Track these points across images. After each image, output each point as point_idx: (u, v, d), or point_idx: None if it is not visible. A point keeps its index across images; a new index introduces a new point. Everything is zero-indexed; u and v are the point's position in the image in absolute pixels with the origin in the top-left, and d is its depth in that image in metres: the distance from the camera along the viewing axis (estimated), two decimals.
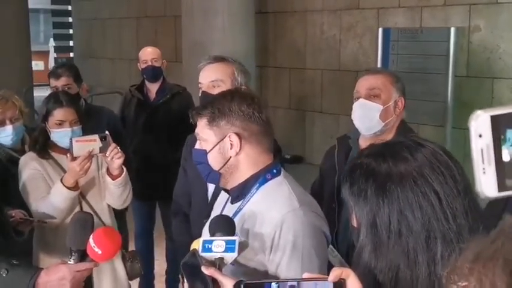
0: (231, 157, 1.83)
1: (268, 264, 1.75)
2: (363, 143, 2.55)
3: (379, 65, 5.23)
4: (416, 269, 1.21)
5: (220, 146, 1.82)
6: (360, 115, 2.55)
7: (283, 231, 1.73)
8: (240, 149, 1.82)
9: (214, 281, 1.52)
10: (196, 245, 1.60)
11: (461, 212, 1.23)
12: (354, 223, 1.32)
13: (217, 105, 1.84)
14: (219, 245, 1.56)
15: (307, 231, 1.76)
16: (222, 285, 1.52)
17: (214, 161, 1.84)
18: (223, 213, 1.88)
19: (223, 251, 1.56)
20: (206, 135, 1.84)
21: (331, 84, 6.51)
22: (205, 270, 1.51)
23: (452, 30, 4.83)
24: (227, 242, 1.57)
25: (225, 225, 1.66)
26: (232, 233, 1.64)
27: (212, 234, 1.62)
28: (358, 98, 2.57)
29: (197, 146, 1.90)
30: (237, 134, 1.81)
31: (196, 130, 1.89)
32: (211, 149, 1.83)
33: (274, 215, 1.76)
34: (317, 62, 6.62)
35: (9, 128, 3.04)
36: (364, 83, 2.58)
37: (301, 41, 6.76)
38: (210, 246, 1.56)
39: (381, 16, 5.94)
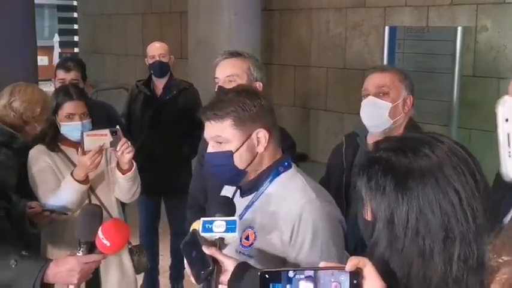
0: (257, 153, 1.84)
1: (287, 255, 1.76)
2: (371, 141, 2.56)
3: (385, 63, 5.22)
4: (430, 269, 1.19)
5: (248, 144, 1.82)
6: (368, 113, 2.55)
7: (302, 222, 1.75)
8: (267, 144, 1.83)
9: (215, 261, 1.54)
10: (197, 225, 1.61)
11: (481, 211, 1.20)
12: (368, 216, 1.30)
13: (238, 104, 1.81)
14: (219, 225, 1.58)
15: (325, 221, 1.78)
16: (223, 265, 1.54)
17: (241, 160, 1.83)
18: None
19: (224, 231, 1.57)
20: (230, 136, 1.81)
21: (336, 82, 6.50)
22: (207, 250, 1.53)
23: (459, 29, 4.82)
24: (228, 223, 1.58)
25: (226, 206, 1.68)
26: (233, 214, 1.65)
27: (212, 214, 1.63)
28: (366, 96, 2.57)
29: (215, 148, 1.85)
30: (265, 129, 1.83)
31: (215, 133, 1.83)
32: (238, 149, 1.82)
33: (291, 206, 1.78)
34: (322, 60, 6.61)
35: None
36: (373, 81, 2.58)
37: (306, 38, 6.76)
38: (210, 227, 1.58)
39: (387, 15, 5.93)
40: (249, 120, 1.81)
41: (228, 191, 2.02)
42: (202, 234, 1.57)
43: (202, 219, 1.60)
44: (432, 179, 1.21)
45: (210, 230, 1.57)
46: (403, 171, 1.23)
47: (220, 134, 1.82)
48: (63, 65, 3.79)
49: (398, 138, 1.38)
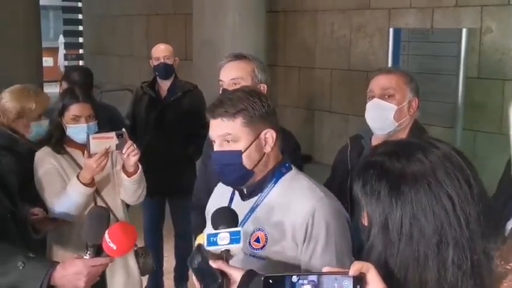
0: (264, 154, 1.85)
1: (301, 254, 1.78)
2: (376, 143, 2.55)
3: (389, 65, 5.22)
4: (425, 273, 1.20)
5: (256, 143, 1.83)
6: (373, 115, 2.55)
7: (315, 220, 1.77)
8: (274, 144, 1.85)
9: (223, 274, 1.54)
10: (201, 240, 1.61)
11: (474, 217, 1.21)
12: (365, 221, 1.31)
13: (248, 103, 1.81)
14: (224, 237, 1.57)
15: (337, 218, 1.81)
16: (231, 277, 1.54)
17: (249, 159, 1.83)
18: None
19: (229, 243, 1.57)
20: (240, 134, 1.81)
21: (341, 84, 6.51)
22: (213, 264, 1.53)
23: (464, 31, 4.82)
24: (232, 234, 1.57)
25: (228, 218, 1.67)
26: (235, 225, 1.65)
27: (215, 227, 1.62)
28: (372, 98, 2.57)
29: (222, 148, 1.84)
30: (273, 129, 1.84)
31: (225, 130, 1.81)
32: (247, 148, 1.82)
33: (302, 205, 1.79)
34: (327, 61, 6.62)
35: (44, 123, 3.06)
36: (378, 83, 2.57)
37: (311, 40, 6.76)
38: (215, 240, 1.57)
39: (392, 16, 5.93)
40: (258, 119, 1.82)
41: (223, 190, 2.00)
42: (208, 248, 1.57)
43: (206, 233, 1.61)
44: (425, 185, 1.22)
45: (215, 243, 1.56)
46: (396, 176, 1.24)
47: (230, 132, 1.80)
48: (69, 78, 3.80)
49: (395, 143, 1.39)
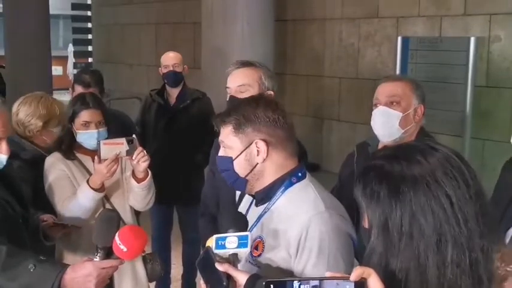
0: (257, 164, 1.83)
1: (293, 267, 1.75)
2: None
3: (397, 73, 5.23)
4: (426, 272, 1.22)
5: (247, 152, 1.82)
6: (379, 122, 2.56)
7: (309, 234, 1.73)
8: (267, 156, 1.82)
9: (229, 277, 1.55)
10: (210, 242, 1.62)
11: (472, 216, 1.23)
12: (365, 224, 1.32)
13: (242, 112, 1.83)
14: (232, 241, 1.58)
15: (333, 234, 1.75)
16: (236, 280, 1.56)
17: (240, 167, 1.84)
18: (247, 215, 1.89)
19: (237, 247, 1.58)
20: (231, 142, 1.83)
21: (349, 92, 6.52)
22: (219, 267, 1.55)
23: (472, 39, 4.83)
24: (240, 238, 1.59)
25: (237, 222, 1.69)
26: (245, 229, 1.66)
27: (225, 231, 1.64)
28: (377, 105, 2.58)
29: (221, 153, 1.89)
30: (264, 141, 1.81)
31: (221, 137, 1.87)
32: (237, 156, 1.83)
33: (300, 218, 1.76)
34: (335, 70, 6.64)
35: (57, 130, 3.08)
36: (384, 90, 2.59)
37: (319, 48, 6.79)
38: (223, 243, 1.59)
39: (400, 25, 5.95)
40: (250, 129, 1.81)
41: (246, 201, 2.02)
42: (216, 251, 1.58)
43: (215, 236, 1.62)
44: (424, 185, 1.24)
45: (223, 247, 1.58)
46: (396, 178, 1.26)
47: (223, 140, 1.87)
48: (81, 80, 3.79)
49: (394, 147, 1.40)
